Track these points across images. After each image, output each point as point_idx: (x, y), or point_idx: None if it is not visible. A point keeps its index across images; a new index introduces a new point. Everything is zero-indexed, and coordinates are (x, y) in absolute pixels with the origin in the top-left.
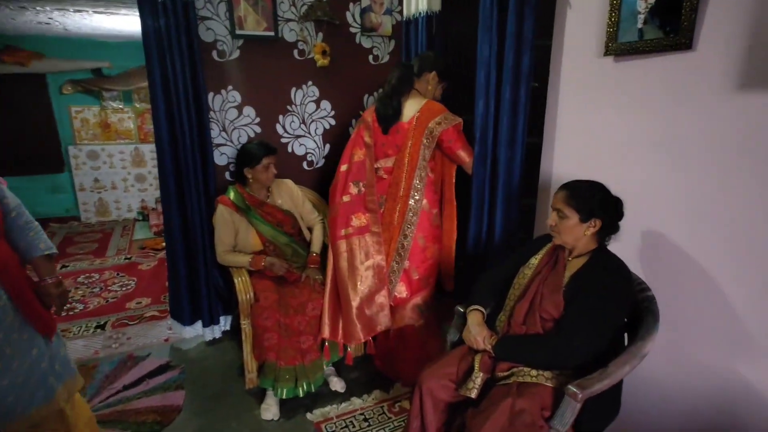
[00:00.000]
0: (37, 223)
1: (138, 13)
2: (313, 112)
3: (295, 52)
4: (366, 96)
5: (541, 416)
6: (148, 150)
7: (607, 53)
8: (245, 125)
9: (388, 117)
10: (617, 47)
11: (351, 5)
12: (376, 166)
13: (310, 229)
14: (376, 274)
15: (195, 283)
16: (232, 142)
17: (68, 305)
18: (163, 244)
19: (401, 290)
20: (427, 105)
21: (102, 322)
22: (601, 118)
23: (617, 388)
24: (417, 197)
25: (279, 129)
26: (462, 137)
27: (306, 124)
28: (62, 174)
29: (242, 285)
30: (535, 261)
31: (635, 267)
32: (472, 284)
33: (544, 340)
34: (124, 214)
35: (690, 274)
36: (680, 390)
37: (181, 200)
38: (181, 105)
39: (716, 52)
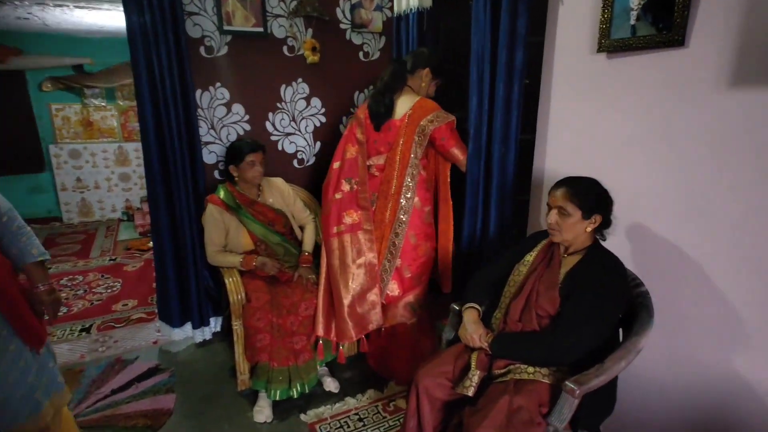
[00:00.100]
0: (29, 228)
1: (121, 8)
2: (304, 110)
3: (285, 48)
4: (357, 93)
5: (539, 413)
6: (133, 149)
7: (599, 50)
8: (234, 123)
9: (381, 114)
10: (610, 44)
11: (341, 1)
12: (368, 164)
13: (302, 228)
14: (368, 272)
15: (184, 284)
16: (221, 140)
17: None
18: (149, 244)
19: (393, 288)
20: (420, 102)
21: (87, 325)
22: (593, 115)
23: (612, 383)
24: (408, 195)
25: (269, 127)
26: (455, 135)
27: (296, 122)
28: (43, 174)
29: (233, 285)
30: (530, 258)
31: (629, 263)
32: (466, 282)
33: (540, 337)
34: (108, 214)
35: (683, 270)
36: (674, 384)
37: (169, 200)
38: (168, 102)
39: (708, 49)
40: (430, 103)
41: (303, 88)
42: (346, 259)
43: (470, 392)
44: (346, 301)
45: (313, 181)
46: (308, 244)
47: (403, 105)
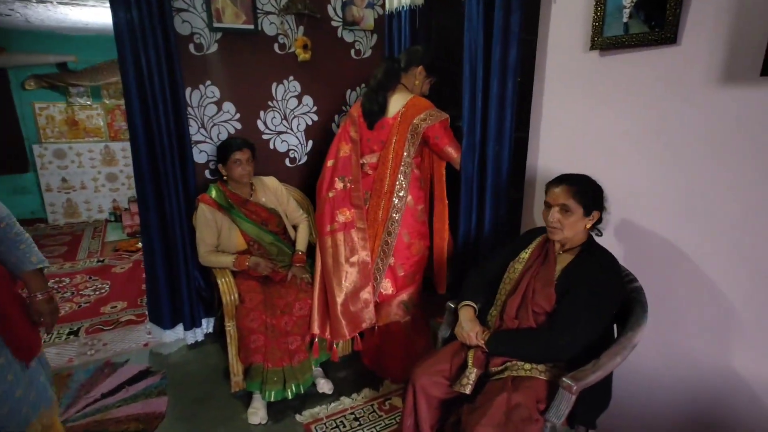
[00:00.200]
0: (27, 234)
1: (107, 5)
2: (295, 108)
3: (276, 46)
4: (348, 91)
5: (537, 409)
6: (120, 148)
7: (592, 47)
8: (225, 121)
9: (374, 112)
10: (603, 41)
11: None
12: (361, 162)
13: (295, 228)
14: (361, 271)
15: (175, 285)
16: (211, 138)
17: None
18: (138, 245)
19: (387, 287)
20: (413, 100)
21: (75, 329)
22: (586, 112)
23: (608, 378)
24: (401, 194)
25: (260, 125)
26: (449, 133)
27: (288, 120)
28: (27, 174)
29: (226, 286)
30: (525, 255)
31: (622, 259)
32: (462, 280)
33: (537, 334)
34: (94, 215)
35: (678, 266)
36: (668, 379)
37: (159, 200)
38: (157, 101)
39: (700, 47)
40: (424, 102)
41: (294, 86)
42: (339, 258)
43: (467, 390)
44: (339, 300)
45: (306, 180)
46: (302, 244)
47: (397, 103)
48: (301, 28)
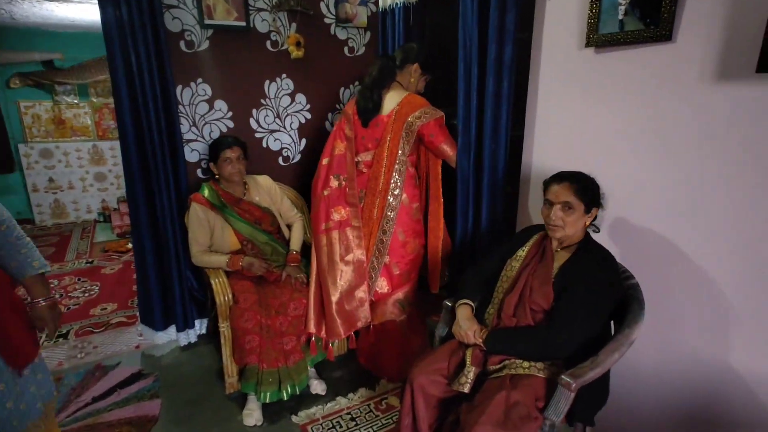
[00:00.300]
0: (29, 238)
1: (95, 1)
2: (288, 106)
3: (268, 43)
4: (342, 89)
5: (536, 407)
6: (108, 147)
7: (588, 45)
8: (217, 120)
9: (368, 110)
10: (598, 39)
11: None
12: (356, 160)
13: (290, 227)
14: (356, 269)
15: (167, 285)
16: (203, 137)
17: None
18: (128, 245)
19: (382, 285)
20: (408, 98)
21: (64, 331)
22: (582, 110)
23: (605, 375)
24: (396, 192)
25: (253, 123)
26: (444, 131)
27: (281, 118)
28: (12, 174)
29: (220, 286)
30: (522, 253)
31: (618, 256)
32: (459, 278)
33: (535, 332)
34: (83, 215)
35: (674, 263)
36: (665, 375)
37: (150, 199)
38: (147, 99)
39: (695, 44)
40: (418, 99)
41: (287, 83)
42: (334, 256)
43: (466, 389)
44: (334, 298)
45: (300, 178)
46: (296, 243)
47: (391, 101)
48: (294, 25)
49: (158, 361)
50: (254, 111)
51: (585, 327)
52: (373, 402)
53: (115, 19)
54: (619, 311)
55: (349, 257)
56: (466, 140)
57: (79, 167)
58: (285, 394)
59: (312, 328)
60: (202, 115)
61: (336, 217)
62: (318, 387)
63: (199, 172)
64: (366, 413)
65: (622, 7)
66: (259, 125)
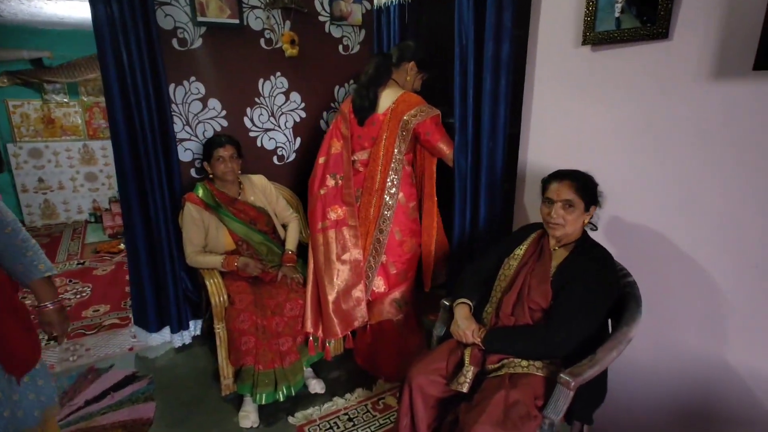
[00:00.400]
0: (34, 241)
1: None
2: (283, 105)
3: (262, 41)
4: (337, 87)
5: (535, 406)
6: (99, 147)
7: (584, 42)
8: (210, 119)
9: (364, 108)
10: (594, 36)
11: None
12: (353, 159)
13: (285, 227)
14: (353, 269)
15: (161, 286)
16: (197, 136)
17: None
18: (120, 246)
19: (379, 284)
20: (403, 96)
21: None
22: (578, 108)
23: (603, 373)
24: (393, 191)
25: (247, 122)
26: (440, 129)
27: (275, 117)
28: (1, 174)
29: (215, 287)
30: (520, 252)
31: (615, 254)
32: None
33: (533, 330)
34: (73, 216)
35: (670, 260)
36: (662, 372)
37: (143, 199)
38: (139, 98)
39: (692, 41)
40: (414, 98)
41: (282, 82)
42: (330, 255)
43: (465, 389)
44: (331, 298)
45: (295, 178)
46: (291, 243)
47: (387, 99)
48: (288, 22)
49: (152, 363)
50: (248, 110)
51: (583, 325)
52: (370, 402)
53: (106, 17)
54: (617, 309)
55: (346, 256)
56: (463, 139)
57: (70, 167)
58: (281, 395)
59: (309, 328)
60: (195, 114)
61: (332, 216)
62: (317, 386)
63: (192, 171)
64: (363, 413)
65: (619, 5)
66: (254, 124)
